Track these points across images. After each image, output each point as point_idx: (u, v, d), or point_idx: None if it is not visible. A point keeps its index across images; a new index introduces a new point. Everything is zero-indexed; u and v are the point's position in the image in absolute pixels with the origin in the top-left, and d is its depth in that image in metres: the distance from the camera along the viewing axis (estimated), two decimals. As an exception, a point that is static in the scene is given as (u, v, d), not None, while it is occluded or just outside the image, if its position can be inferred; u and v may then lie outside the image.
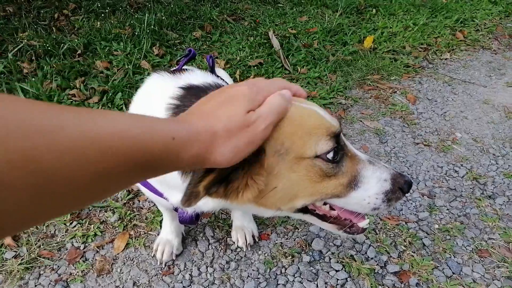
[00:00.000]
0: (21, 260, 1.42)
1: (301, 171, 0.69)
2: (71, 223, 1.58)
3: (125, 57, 2.68)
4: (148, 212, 1.64)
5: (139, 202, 1.69)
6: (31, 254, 1.44)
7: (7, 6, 3.26)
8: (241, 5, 3.84)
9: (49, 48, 2.67)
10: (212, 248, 1.50)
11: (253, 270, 1.42)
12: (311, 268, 1.43)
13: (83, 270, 1.41)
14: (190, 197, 0.62)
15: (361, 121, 2.32)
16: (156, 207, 1.61)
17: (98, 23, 3.13)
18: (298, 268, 1.43)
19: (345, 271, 1.41)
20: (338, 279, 1.38)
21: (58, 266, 1.42)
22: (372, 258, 1.46)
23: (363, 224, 0.82)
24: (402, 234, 1.56)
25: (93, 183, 0.39)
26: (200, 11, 3.53)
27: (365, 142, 2.13)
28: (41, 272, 1.40)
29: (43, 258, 1.44)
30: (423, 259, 1.45)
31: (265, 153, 0.66)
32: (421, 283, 1.38)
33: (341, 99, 2.52)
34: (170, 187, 0.86)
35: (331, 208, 0.82)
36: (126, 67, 2.57)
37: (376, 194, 0.76)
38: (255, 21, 3.54)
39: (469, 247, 1.51)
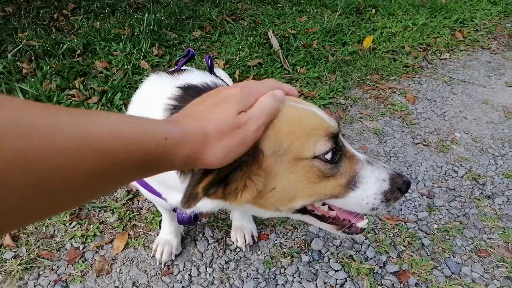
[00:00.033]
0: (21, 260, 1.42)
1: (299, 172, 0.69)
2: (70, 224, 1.58)
3: (124, 57, 2.68)
4: (148, 212, 1.64)
5: (139, 202, 1.69)
6: (30, 255, 1.44)
7: (7, 6, 3.26)
8: (240, 5, 3.84)
9: (48, 48, 2.67)
10: (211, 248, 1.50)
11: (252, 270, 1.42)
12: (310, 268, 1.43)
13: (83, 271, 1.41)
14: (189, 198, 0.62)
15: (360, 121, 2.32)
16: (156, 207, 1.61)
17: (98, 23, 3.13)
18: (297, 268, 1.43)
19: (344, 271, 1.41)
20: (337, 279, 1.38)
21: (58, 267, 1.42)
22: (371, 258, 1.46)
23: (361, 224, 0.83)
24: (401, 234, 1.56)
25: (88, 182, 0.40)
26: (199, 11, 3.53)
27: (364, 142, 2.13)
28: (41, 273, 1.40)
29: (43, 258, 1.44)
30: (422, 259, 1.45)
31: (264, 154, 0.66)
32: (420, 283, 1.38)
33: (340, 99, 2.52)
34: (169, 187, 0.86)
35: (330, 209, 0.82)
36: (126, 67, 2.57)
37: (374, 194, 0.76)
38: (255, 21, 3.54)
39: (468, 247, 1.51)
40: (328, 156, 0.69)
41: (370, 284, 1.37)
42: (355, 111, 2.42)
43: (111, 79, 2.45)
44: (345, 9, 3.81)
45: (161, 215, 1.52)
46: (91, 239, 1.52)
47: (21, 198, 0.34)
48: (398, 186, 0.77)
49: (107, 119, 0.43)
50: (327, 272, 1.41)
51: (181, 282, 1.37)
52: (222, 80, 1.07)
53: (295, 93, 0.73)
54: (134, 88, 2.35)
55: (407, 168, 1.94)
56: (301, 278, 1.39)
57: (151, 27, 3.03)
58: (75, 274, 1.39)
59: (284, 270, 1.42)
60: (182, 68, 1.01)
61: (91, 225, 1.58)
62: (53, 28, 3.04)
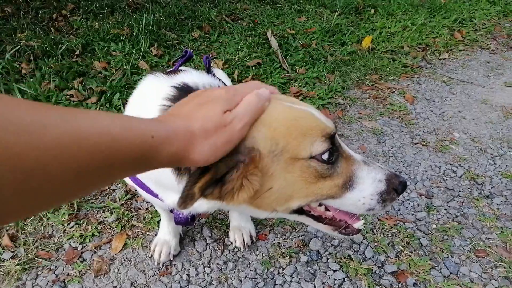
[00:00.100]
0: (19, 260, 1.42)
1: (296, 172, 0.69)
2: (68, 224, 1.58)
3: (123, 58, 2.68)
4: (146, 212, 1.64)
5: (137, 202, 1.69)
6: (28, 255, 1.44)
7: (6, 6, 3.26)
8: (239, 5, 3.84)
9: (47, 48, 2.67)
10: (209, 248, 1.50)
11: (250, 270, 1.42)
12: (309, 268, 1.43)
13: (81, 271, 1.41)
14: (186, 199, 0.63)
15: (359, 121, 2.32)
16: (154, 207, 1.61)
17: (97, 23, 3.13)
18: (296, 268, 1.43)
19: (342, 271, 1.41)
20: (335, 279, 1.38)
21: (56, 267, 1.42)
22: (369, 258, 1.46)
23: (358, 225, 0.83)
24: (400, 234, 1.56)
25: (75, 179, 0.41)
26: (198, 12, 3.53)
27: (363, 142, 2.14)
28: (39, 273, 1.40)
29: (41, 258, 1.44)
30: (421, 259, 1.45)
31: (260, 154, 0.66)
32: (418, 283, 1.38)
33: (339, 99, 2.52)
34: (165, 188, 0.86)
35: (327, 209, 0.82)
36: (124, 67, 2.57)
37: (371, 195, 0.76)
38: (254, 21, 3.54)
39: (467, 247, 1.51)
40: (325, 156, 0.69)
41: (369, 284, 1.37)
42: (354, 111, 2.42)
43: (110, 79, 2.45)
44: (344, 9, 3.81)
45: (159, 215, 1.53)
46: (89, 239, 1.52)
47: (8, 194, 0.34)
48: (394, 187, 0.77)
49: (95, 117, 0.44)
50: (325, 272, 1.41)
51: (179, 282, 1.37)
52: (220, 80, 1.07)
53: (276, 91, 0.76)
54: (133, 88, 2.34)
55: (406, 168, 1.94)
56: (299, 278, 1.39)
57: (150, 27, 3.03)
58: (73, 274, 1.39)
59: (283, 270, 1.42)
60: (180, 68, 1.01)
61: (90, 225, 1.58)
62: (52, 29, 3.04)
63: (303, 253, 1.49)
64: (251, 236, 1.50)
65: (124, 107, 2.25)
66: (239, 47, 3.02)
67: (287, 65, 2.84)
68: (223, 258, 1.46)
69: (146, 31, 2.97)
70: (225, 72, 2.16)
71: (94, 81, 2.42)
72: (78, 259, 1.45)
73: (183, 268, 1.43)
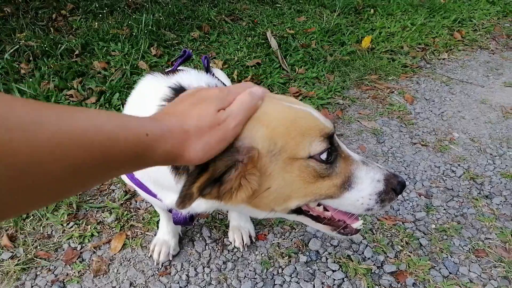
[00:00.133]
0: (18, 260, 1.42)
1: (294, 172, 0.69)
2: (68, 224, 1.58)
3: (122, 58, 2.68)
4: (145, 212, 1.64)
5: (136, 202, 1.69)
6: (27, 255, 1.44)
7: (5, 6, 3.26)
8: (239, 5, 3.84)
9: (46, 48, 2.67)
10: (209, 248, 1.50)
11: (250, 270, 1.42)
12: (308, 268, 1.43)
13: (80, 271, 1.41)
14: (184, 199, 0.63)
15: (358, 121, 2.32)
16: (153, 207, 1.61)
17: (96, 23, 3.13)
18: (295, 268, 1.43)
19: (342, 271, 1.41)
20: (335, 279, 1.38)
21: (55, 267, 1.42)
22: (369, 258, 1.46)
23: (356, 225, 0.83)
24: (399, 234, 1.56)
25: (71, 176, 0.41)
26: (198, 12, 3.53)
27: (362, 142, 2.14)
28: (38, 273, 1.40)
29: (40, 258, 1.44)
30: (420, 259, 1.45)
31: (259, 153, 0.66)
32: (418, 283, 1.38)
33: (338, 99, 2.52)
34: (164, 188, 0.86)
35: (325, 209, 0.82)
36: (124, 67, 2.57)
37: (369, 195, 0.76)
38: (253, 21, 3.54)
39: (466, 247, 1.51)
40: (323, 156, 0.69)
41: (368, 284, 1.37)
42: (353, 111, 2.42)
43: (109, 79, 2.45)
44: (344, 9, 3.81)
45: (158, 216, 1.52)
46: (88, 240, 1.52)
47: (4, 190, 0.34)
48: (393, 187, 0.77)
49: (91, 115, 0.44)
50: (325, 272, 1.41)
51: (178, 283, 1.37)
52: (219, 79, 1.07)
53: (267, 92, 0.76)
54: (132, 88, 2.35)
55: (405, 168, 1.94)
56: (299, 278, 1.39)
57: (150, 27, 3.03)
58: (72, 275, 1.39)
59: (282, 270, 1.42)
60: (178, 68, 1.01)
61: (89, 226, 1.57)
62: (51, 29, 3.04)
63: (303, 253, 1.48)
64: (250, 236, 1.50)
65: (123, 107, 2.26)
66: (239, 47, 3.02)
67: (287, 65, 2.84)
68: (222, 258, 1.46)
69: (146, 31, 2.97)
70: (225, 72, 2.16)
71: (93, 81, 2.42)
72: (77, 259, 1.45)
73: (182, 268, 1.43)
